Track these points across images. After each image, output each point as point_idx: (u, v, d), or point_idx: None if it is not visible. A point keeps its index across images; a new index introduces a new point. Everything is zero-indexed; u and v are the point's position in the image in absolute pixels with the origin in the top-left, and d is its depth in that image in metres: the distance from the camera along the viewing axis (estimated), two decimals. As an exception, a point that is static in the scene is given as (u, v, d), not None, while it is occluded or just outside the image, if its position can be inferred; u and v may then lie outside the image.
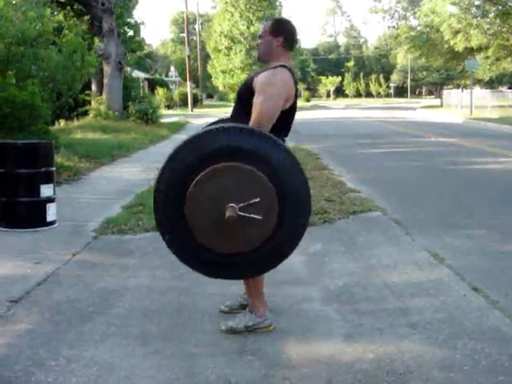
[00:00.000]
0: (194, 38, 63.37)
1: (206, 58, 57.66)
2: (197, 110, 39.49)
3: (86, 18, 16.15)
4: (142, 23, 22.97)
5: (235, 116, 3.55)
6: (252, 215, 2.98)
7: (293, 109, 3.53)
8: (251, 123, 3.28)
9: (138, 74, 40.56)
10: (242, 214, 2.97)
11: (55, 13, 13.54)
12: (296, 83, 3.53)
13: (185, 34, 37.84)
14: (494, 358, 3.16)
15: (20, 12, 11.16)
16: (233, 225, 2.98)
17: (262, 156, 3.03)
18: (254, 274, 3.20)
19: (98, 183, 9.16)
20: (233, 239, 3.04)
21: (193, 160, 3.04)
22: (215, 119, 4.07)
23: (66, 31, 13.08)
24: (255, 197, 2.98)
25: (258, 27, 47.45)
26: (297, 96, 3.56)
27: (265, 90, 3.32)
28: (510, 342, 3.36)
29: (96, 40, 15.64)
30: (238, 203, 2.99)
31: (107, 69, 19.10)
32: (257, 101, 3.33)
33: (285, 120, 3.48)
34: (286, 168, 3.06)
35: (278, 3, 51.58)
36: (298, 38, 3.60)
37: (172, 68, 60.07)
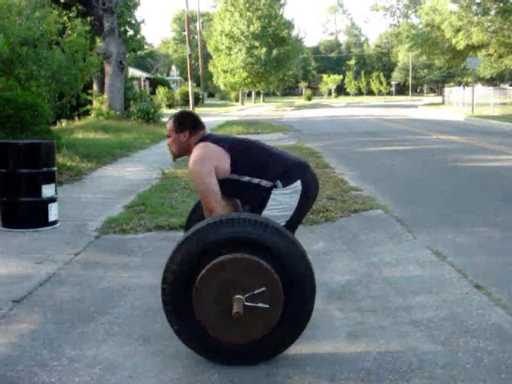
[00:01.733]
0: (196, 36, 63.38)
1: (207, 56, 57.66)
2: (198, 109, 39.50)
3: (90, 18, 16.17)
4: (143, 21, 22.89)
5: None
6: (259, 304, 3.01)
7: (243, 154, 3.53)
8: (204, 213, 3.45)
9: (138, 73, 40.57)
10: (249, 304, 3.00)
11: (58, 13, 13.52)
12: (225, 140, 3.56)
13: (186, 33, 37.80)
14: (496, 356, 3.16)
15: (23, 13, 11.17)
16: (240, 316, 3.00)
17: (264, 245, 3.05)
18: (264, 359, 3.22)
19: (100, 183, 9.17)
20: (241, 329, 3.06)
21: (198, 251, 3.06)
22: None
23: (69, 32, 13.09)
24: (260, 286, 3.01)
25: (258, 26, 47.48)
26: (236, 144, 3.57)
27: (193, 178, 3.47)
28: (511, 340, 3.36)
29: (97, 40, 15.65)
30: (244, 294, 3.02)
31: (108, 68, 19.12)
32: (196, 189, 3.57)
33: (251, 161, 3.51)
34: (289, 256, 3.07)
35: (279, 2, 51.48)
36: (200, 120, 3.69)
37: (173, 67, 60.10)
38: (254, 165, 3.51)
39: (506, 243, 5.51)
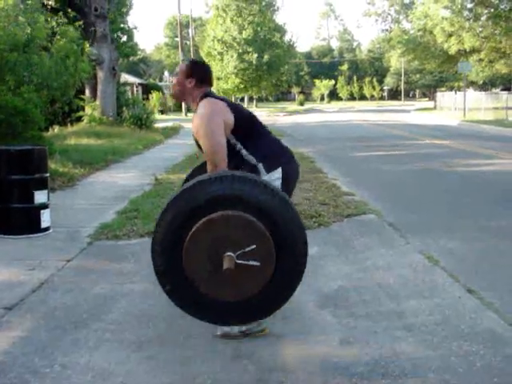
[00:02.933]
0: (188, 42, 63.43)
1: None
2: (191, 115, 39.43)
3: (79, 23, 16.14)
4: (135, 28, 22.93)
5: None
6: (250, 262, 3.00)
7: (243, 119, 3.56)
8: (208, 168, 3.43)
9: (130, 79, 40.55)
10: (240, 261, 2.99)
11: (48, 19, 13.48)
12: (227, 101, 3.60)
13: (178, 39, 37.88)
14: (488, 360, 3.17)
15: (10, 17, 11.13)
16: (231, 274, 2.99)
17: (255, 203, 3.04)
18: (256, 319, 3.21)
19: (93, 189, 9.15)
20: (232, 287, 3.05)
21: (187, 210, 3.04)
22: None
23: (58, 37, 13.06)
24: (252, 244, 2.99)
25: (250, 32, 47.56)
26: (236, 106, 3.62)
27: (201, 134, 3.45)
28: (504, 344, 3.37)
29: (86, 45, 15.61)
30: (235, 251, 3.00)
31: (101, 74, 19.09)
32: (202, 146, 3.50)
33: (246, 131, 3.54)
34: (282, 215, 3.06)
35: (271, 8, 51.57)
36: (211, 76, 3.72)
37: (166, 73, 60.08)
38: (248, 136, 3.54)
39: (498, 247, 5.53)
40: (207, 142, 3.42)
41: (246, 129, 3.57)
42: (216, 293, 3.07)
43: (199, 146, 3.62)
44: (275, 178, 3.51)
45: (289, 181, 3.61)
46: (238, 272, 2.97)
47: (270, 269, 3.03)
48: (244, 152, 3.51)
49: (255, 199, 3.03)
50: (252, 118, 3.70)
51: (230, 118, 3.48)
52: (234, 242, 3.00)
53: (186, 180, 4.15)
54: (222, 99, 3.62)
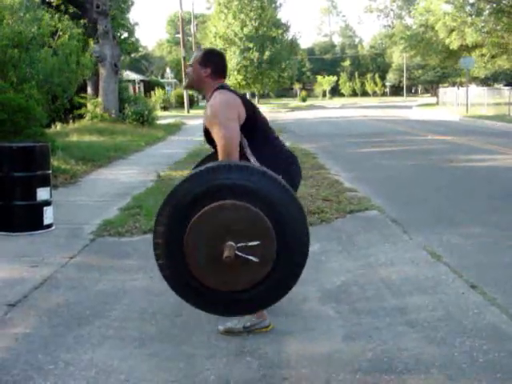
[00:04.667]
0: (190, 38, 63.37)
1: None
2: (193, 111, 39.51)
3: (83, 21, 16.17)
4: (136, 24, 22.91)
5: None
6: (249, 257, 2.98)
7: (255, 118, 3.54)
8: (220, 157, 3.34)
9: (132, 75, 40.53)
10: (240, 254, 2.97)
11: (51, 16, 13.49)
12: (241, 96, 3.56)
13: (180, 35, 37.82)
14: (492, 356, 3.16)
15: (15, 15, 11.15)
16: (229, 263, 2.98)
17: (269, 198, 3.00)
18: (241, 314, 3.19)
19: (95, 186, 9.15)
20: (226, 277, 3.04)
21: (195, 196, 3.01)
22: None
23: (61, 33, 13.07)
24: (255, 239, 2.97)
25: (252, 28, 47.50)
26: (250, 104, 3.58)
27: (215, 123, 3.38)
28: (507, 340, 3.37)
29: (91, 42, 15.62)
30: (238, 242, 2.97)
31: (103, 71, 19.09)
32: (214, 135, 3.42)
33: (255, 130, 3.51)
34: (289, 212, 3.02)
35: (275, 4, 51.53)
36: (226, 67, 3.68)
37: (168, 69, 59.99)
38: (255, 136, 3.51)
39: (501, 243, 5.51)
40: (221, 130, 3.34)
41: (255, 128, 3.52)
42: (208, 279, 3.05)
43: (209, 141, 3.57)
44: None
45: (292, 183, 3.56)
46: (234, 263, 2.96)
47: (267, 268, 3.02)
48: (248, 151, 3.48)
49: (270, 195, 2.99)
50: (263, 120, 3.65)
51: (243, 112, 3.44)
52: (238, 233, 2.97)
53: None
54: (236, 93, 3.57)
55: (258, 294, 3.10)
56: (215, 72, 3.57)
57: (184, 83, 3.74)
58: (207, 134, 3.53)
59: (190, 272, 3.06)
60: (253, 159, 3.47)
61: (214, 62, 3.60)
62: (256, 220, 2.97)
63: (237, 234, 2.97)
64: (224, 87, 3.56)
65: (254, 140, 3.51)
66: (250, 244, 2.95)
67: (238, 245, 2.96)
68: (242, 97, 3.57)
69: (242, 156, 3.46)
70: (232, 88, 3.68)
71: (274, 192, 3.01)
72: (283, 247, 3.02)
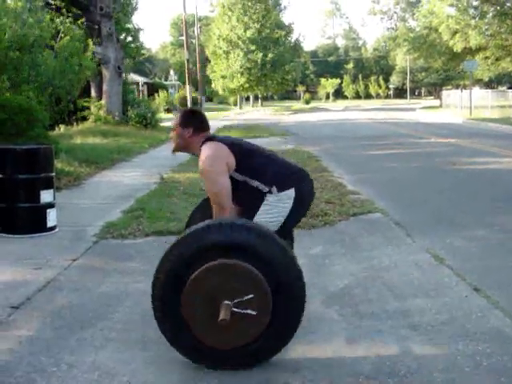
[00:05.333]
0: (194, 41, 63.47)
1: (205, 61, 57.72)
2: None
3: (81, 20, 16.20)
4: (141, 29, 22.88)
5: None
6: (247, 311, 3.00)
7: (245, 154, 3.58)
8: (214, 212, 3.47)
9: (136, 78, 40.59)
10: (237, 310, 2.99)
11: (53, 18, 13.53)
12: (227, 141, 3.61)
13: (184, 38, 37.84)
14: (495, 359, 3.15)
15: (18, 18, 11.18)
16: (228, 323, 2.98)
17: (255, 252, 3.03)
18: (258, 361, 3.21)
19: (98, 188, 9.16)
20: (227, 335, 3.05)
21: (188, 256, 3.05)
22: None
23: (62, 35, 13.10)
24: (249, 293, 3.00)
25: (254, 31, 47.55)
26: (237, 144, 3.63)
27: (205, 178, 3.50)
28: (511, 343, 3.36)
29: (90, 43, 15.63)
30: (232, 300, 3.00)
31: (106, 74, 19.12)
32: (205, 189, 3.65)
33: (251, 161, 3.56)
34: (281, 264, 3.05)
35: (277, 7, 51.63)
36: (206, 121, 3.74)
37: (171, 72, 60.04)
38: (255, 167, 3.55)
39: (505, 246, 5.50)
40: (211, 186, 3.47)
41: (251, 161, 3.57)
42: (209, 340, 3.08)
43: None
44: (287, 197, 3.49)
45: (303, 200, 3.60)
46: (234, 320, 2.98)
47: (267, 317, 3.04)
48: (255, 183, 3.51)
49: (254, 248, 3.03)
50: (254, 149, 3.70)
51: (232, 159, 3.49)
52: (231, 290, 3.01)
53: (192, 216, 4.17)
54: (223, 140, 3.61)
55: (267, 341, 3.12)
56: (197, 129, 3.64)
57: (172, 147, 3.78)
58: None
59: (196, 337, 3.09)
60: (262, 187, 3.50)
61: (193, 121, 3.67)
62: (246, 274, 3.01)
63: (229, 292, 3.00)
64: (210, 139, 3.61)
65: (256, 166, 3.55)
66: (245, 298, 2.98)
67: (234, 302, 2.99)
68: (227, 141, 3.61)
69: (252, 190, 3.49)
70: (218, 136, 3.70)
71: (262, 245, 3.04)
72: (278, 292, 3.04)
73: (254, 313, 3.01)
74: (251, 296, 3.00)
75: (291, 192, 3.51)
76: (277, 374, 3.09)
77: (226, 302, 3.00)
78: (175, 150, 3.78)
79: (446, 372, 3.04)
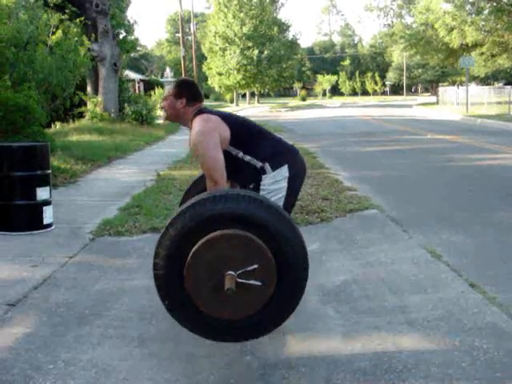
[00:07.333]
0: (189, 38, 63.38)
1: (201, 58, 57.65)
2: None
3: (80, 19, 16.14)
4: (135, 23, 22.68)
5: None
6: (251, 281, 2.99)
7: (239, 127, 3.58)
8: (208, 185, 3.47)
9: (132, 75, 40.47)
10: (241, 280, 2.98)
11: (49, 16, 13.47)
12: (221, 114, 3.61)
13: (180, 35, 37.81)
14: (491, 354, 3.16)
15: (14, 15, 11.14)
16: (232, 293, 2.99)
17: (259, 222, 3.03)
18: (254, 337, 3.20)
19: (95, 185, 9.15)
20: (232, 305, 3.05)
21: (190, 228, 3.03)
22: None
23: (54, 29, 13.04)
24: (253, 263, 2.98)
25: (250, 27, 47.51)
26: (231, 117, 3.64)
27: (198, 151, 3.46)
28: (507, 338, 3.37)
29: (85, 40, 15.57)
30: (236, 270, 2.99)
31: (102, 70, 19.06)
32: (199, 164, 3.58)
33: (246, 136, 3.56)
34: (285, 234, 3.04)
35: (276, 4, 51.63)
36: (200, 92, 3.73)
37: (167, 69, 59.96)
38: (248, 142, 3.55)
39: (501, 242, 5.52)
40: (204, 160, 3.44)
41: (245, 135, 3.58)
42: (215, 311, 3.07)
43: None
44: (281, 177, 3.51)
45: (296, 177, 3.60)
46: (238, 291, 2.97)
47: (271, 288, 3.03)
48: (248, 158, 3.52)
49: (259, 219, 3.03)
50: (248, 123, 3.71)
51: (226, 131, 3.49)
52: (235, 261, 3.00)
53: (187, 192, 4.16)
54: (216, 113, 3.61)
55: (267, 316, 3.12)
56: (191, 99, 3.63)
57: (162, 116, 3.76)
58: (195, 159, 3.61)
59: (198, 308, 3.09)
60: (255, 162, 3.51)
61: (187, 90, 3.65)
62: (249, 244, 3.00)
63: (234, 263, 2.99)
64: (202, 111, 3.60)
65: (251, 144, 3.56)
66: (249, 269, 2.97)
67: (238, 272, 2.97)
68: (221, 114, 3.61)
69: (245, 165, 3.48)
70: (211, 109, 3.70)
71: (262, 213, 3.04)
72: (283, 265, 3.03)
73: (258, 283, 2.99)
74: (255, 266, 2.98)
75: (285, 170, 3.52)
76: (274, 370, 3.10)
77: (230, 272, 2.99)
78: (168, 119, 3.78)
79: (443, 367, 3.05)
